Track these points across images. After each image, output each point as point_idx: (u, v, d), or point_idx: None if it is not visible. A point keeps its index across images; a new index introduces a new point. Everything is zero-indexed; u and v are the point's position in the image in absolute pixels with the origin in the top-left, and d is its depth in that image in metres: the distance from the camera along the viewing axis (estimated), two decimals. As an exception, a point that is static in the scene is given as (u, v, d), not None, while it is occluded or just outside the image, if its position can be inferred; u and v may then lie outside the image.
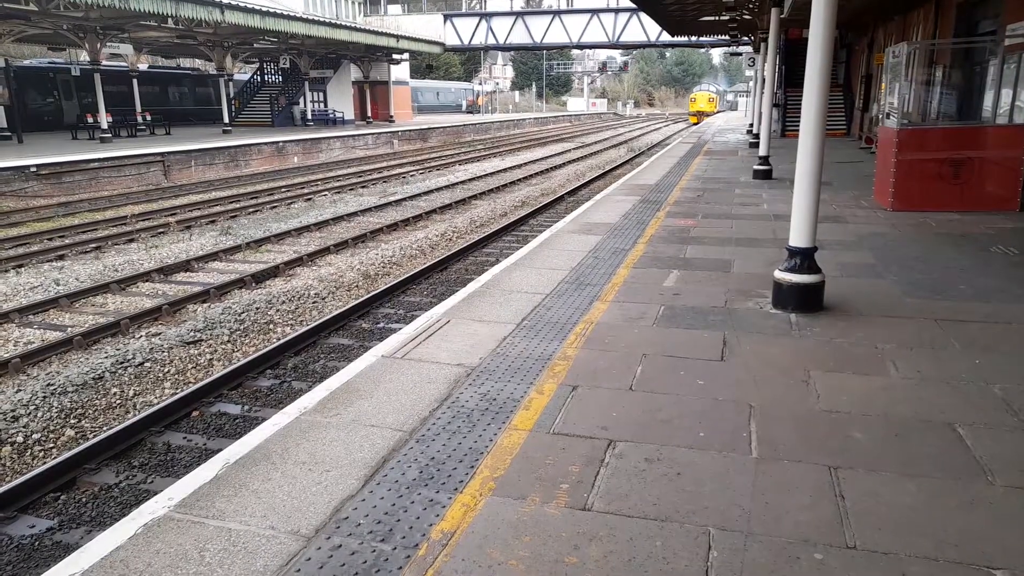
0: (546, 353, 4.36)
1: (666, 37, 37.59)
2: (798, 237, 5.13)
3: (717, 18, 25.45)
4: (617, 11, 39.87)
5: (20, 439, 5.13)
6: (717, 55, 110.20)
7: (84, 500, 4.44)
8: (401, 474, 3.00)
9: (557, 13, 41.74)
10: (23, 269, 10.01)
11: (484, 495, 2.83)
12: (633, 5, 27.65)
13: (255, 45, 32.23)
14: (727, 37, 32.79)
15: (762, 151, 13.89)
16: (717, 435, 3.31)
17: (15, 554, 3.95)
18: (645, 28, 39.53)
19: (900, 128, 9.54)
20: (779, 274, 5.25)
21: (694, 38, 36.48)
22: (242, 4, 24.55)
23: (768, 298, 5.41)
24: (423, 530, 2.61)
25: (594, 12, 40.81)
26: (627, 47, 46.42)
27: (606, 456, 3.12)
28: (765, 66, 16.89)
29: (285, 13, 27.36)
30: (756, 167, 13.74)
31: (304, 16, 29.57)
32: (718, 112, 67.27)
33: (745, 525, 2.60)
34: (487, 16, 42.56)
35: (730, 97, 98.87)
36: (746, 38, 31.53)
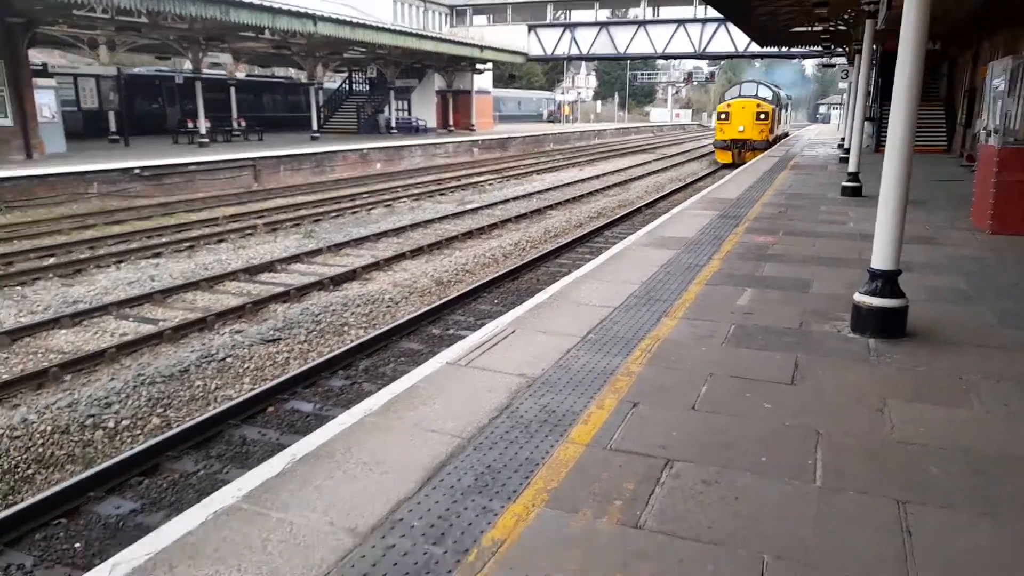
0: (609, 368, 4.34)
1: (755, 48, 36.69)
2: (881, 258, 4.93)
3: (809, 29, 24.67)
4: (704, 21, 39.24)
5: (111, 424, 5.48)
6: (810, 66, 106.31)
7: (165, 485, 4.70)
8: (457, 480, 3.05)
9: (642, 23, 41.41)
10: (123, 265, 10.69)
11: (537, 506, 2.85)
12: (720, 15, 27.16)
13: (344, 55, 33.37)
14: (819, 48, 31.77)
15: (851, 167, 13.37)
16: (780, 461, 3.22)
17: (102, 531, 4.22)
18: (733, 38, 38.73)
19: (1002, 146, 9.01)
20: (859, 297, 5.06)
21: (784, 48, 35.48)
22: (334, 16, 25.49)
23: (847, 322, 5.21)
24: (474, 536, 2.65)
25: (680, 23, 40.30)
26: (714, 58, 45.52)
27: (662, 475, 3.09)
28: (858, 79, 16.28)
29: (374, 24, 28.24)
30: (844, 183, 13.24)
31: (392, 27, 30.45)
32: (778, 137, 32.99)
33: (803, 555, 2.52)
34: (571, 27, 42.69)
35: (823, 109, 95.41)
36: (840, 49, 30.44)
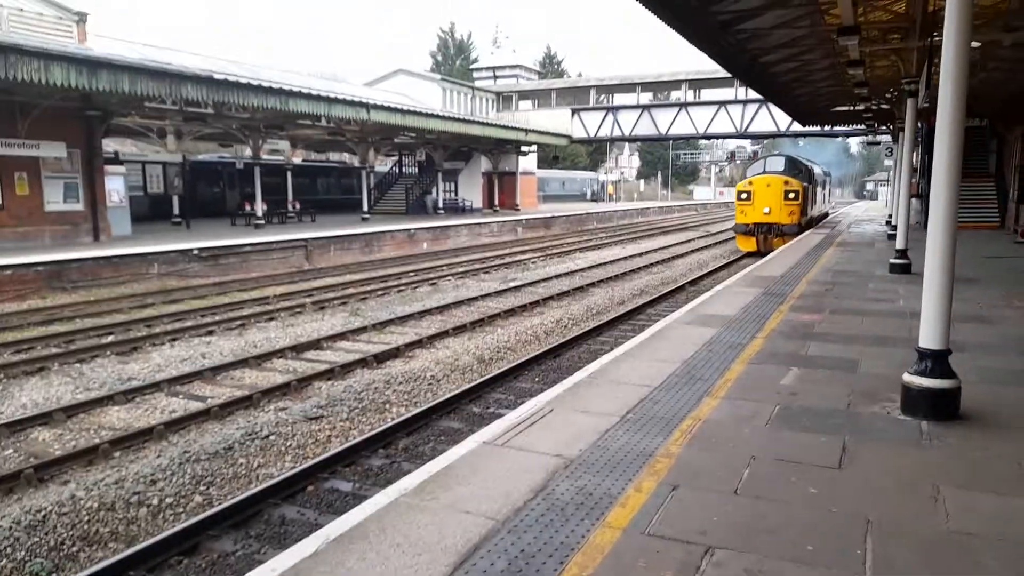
0: (648, 449, 4.26)
1: (797, 127, 37.00)
2: (929, 337, 4.80)
3: (852, 108, 24.86)
4: (745, 102, 39.82)
5: (155, 502, 5.56)
6: (855, 144, 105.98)
7: (203, 566, 4.72)
8: (490, 564, 3.00)
9: (683, 105, 42.24)
10: (177, 342, 11.03)
11: (570, 594, 2.77)
12: (761, 96, 27.57)
13: (395, 140, 34.80)
14: (863, 126, 31.87)
15: (899, 244, 13.16)
16: (827, 550, 3.09)
17: (138, 611, 4.23)
18: (775, 118, 39.13)
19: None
20: (908, 377, 4.90)
21: (827, 127, 35.68)
22: (386, 104, 26.74)
23: (897, 403, 5.03)
24: (505, 625, 2.58)
25: (721, 104, 40.98)
26: (755, 137, 45.86)
27: (702, 563, 2.98)
28: (902, 156, 16.22)
29: (423, 111, 29.49)
30: (893, 260, 13.01)
31: (440, 113, 31.71)
32: (813, 219, 27.67)
33: (850, 655, 2.39)
34: (614, 110, 43.78)
35: (870, 186, 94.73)
36: (884, 127, 30.49)
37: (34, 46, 15.18)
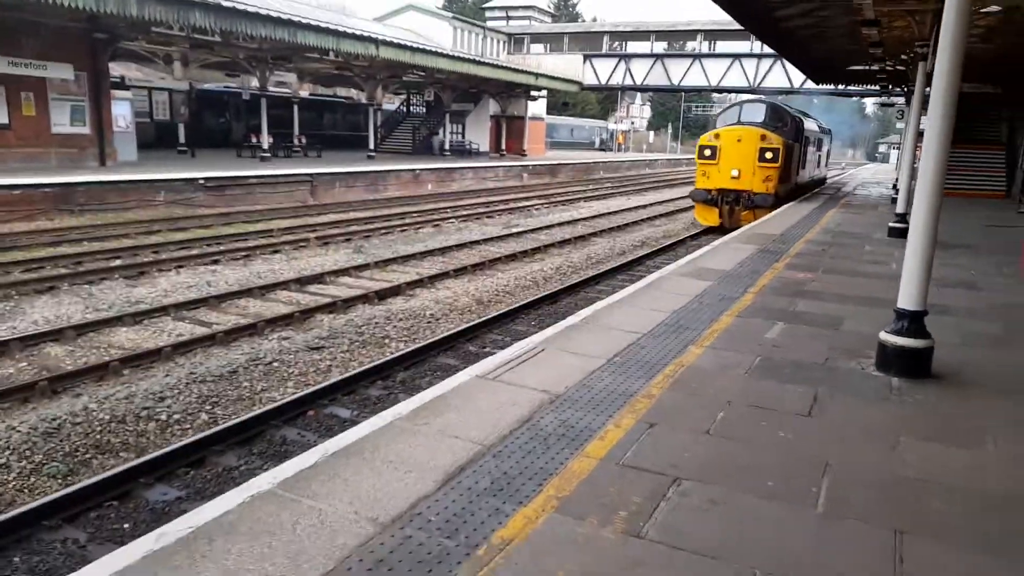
0: (630, 390, 4.51)
1: (811, 85, 36.49)
2: (907, 298, 5.00)
3: (867, 67, 24.51)
4: (760, 56, 39.14)
5: (164, 417, 5.86)
6: (870, 104, 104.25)
7: (209, 477, 5.03)
8: (474, 482, 3.27)
9: (697, 57, 41.55)
10: (183, 269, 11.26)
11: (546, 511, 3.04)
12: (775, 52, 27.13)
13: (404, 78, 34.35)
14: (877, 87, 31.44)
15: (899, 207, 13.26)
16: (786, 487, 3.35)
17: (149, 515, 4.55)
18: (789, 75, 38.55)
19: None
20: (884, 335, 5.13)
21: (841, 86, 35.16)
22: (395, 40, 26.38)
23: (873, 360, 5.27)
24: (485, 534, 2.86)
25: (736, 57, 40.29)
26: (768, 92, 45.15)
27: (669, 492, 3.25)
28: (910, 119, 16.13)
29: (433, 49, 29.08)
30: (892, 224, 13.13)
31: (450, 53, 31.27)
32: (802, 186, 21.79)
33: (794, 572, 2.66)
34: (626, 58, 43.07)
35: (882, 148, 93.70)
36: (898, 89, 30.07)
37: (42, -37, 14.97)
